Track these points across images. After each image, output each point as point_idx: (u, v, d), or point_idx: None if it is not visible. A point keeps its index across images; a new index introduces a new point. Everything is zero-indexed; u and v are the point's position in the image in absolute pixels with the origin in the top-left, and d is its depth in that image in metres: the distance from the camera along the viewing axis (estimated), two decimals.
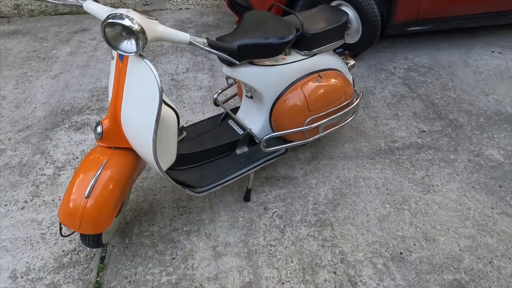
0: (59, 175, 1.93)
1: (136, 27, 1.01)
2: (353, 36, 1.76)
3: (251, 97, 1.69)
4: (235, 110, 1.86)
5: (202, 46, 1.14)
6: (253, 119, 1.70)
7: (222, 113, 1.88)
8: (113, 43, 1.07)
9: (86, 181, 1.20)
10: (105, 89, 2.66)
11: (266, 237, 1.62)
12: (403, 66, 2.93)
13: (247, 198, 1.75)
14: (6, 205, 1.76)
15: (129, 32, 1.04)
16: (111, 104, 1.25)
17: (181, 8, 4.14)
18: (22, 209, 1.74)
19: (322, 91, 1.63)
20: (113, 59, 1.26)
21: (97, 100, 2.54)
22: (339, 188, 1.85)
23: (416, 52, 3.11)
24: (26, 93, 2.62)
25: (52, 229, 1.65)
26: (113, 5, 4.23)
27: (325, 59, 1.69)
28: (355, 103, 1.79)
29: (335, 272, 1.48)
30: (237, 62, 1.27)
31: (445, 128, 2.26)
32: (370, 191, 1.84)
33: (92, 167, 1.23)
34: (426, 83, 2.71)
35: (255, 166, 1.62)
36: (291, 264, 1.51)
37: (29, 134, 2.22)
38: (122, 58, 1.18)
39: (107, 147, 1.29)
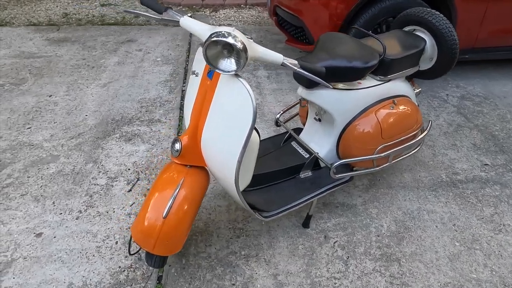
0: (112, 186, 1.91)
1: (239, 45, 0.98)
2: (425, 63, 1.70)
3: (319, 120, 1.64)
4: (296, 131, 1.81)
5: (295, 68, 1.10)
6: (320, 142, 1.64)
7: (283, 133, 1.82)
8: (212, 62, 1.04)
9: (164, 201, 1.15)
10: (154, 100, 2.66)
11: (329, 268, 1.53)
12: (456, 94, 2.83)
13: (306, 224, 1.68)
14: (61, 213, 1.74)
15: (230, 50, 1.01)
16: (192, 121, 1.22)
17: (223, 24, 4.19)
18: (76, 219, 1.71)
19: (396, 118, 1.56)
20: (196, 75, 1.24)
21: (146, 111, 2.54)
22: (402, 221, 1.75)
23: (468, 81, 3.02)
24: (77, 100, 2.65)
25: (107, 243, 1.61)
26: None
27: (398, 86, 1.63)
28: (426, 131, 1.71)
29: None
30: (330, 86, 1.22)
31: (509, 163, 2.14)
32: (436, 226, 1.73)
33: (169, 186, 1.18)
34: (482, 113, 2.61)
35: (321, 192, 1.55)
36: None
37: (81, 142, 2.22)
38: (211, 76, 1.15)
39: (182, 164, 1.24)
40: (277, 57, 1.09)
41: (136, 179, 1.95)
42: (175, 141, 1.22)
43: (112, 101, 2.65)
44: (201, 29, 1.10)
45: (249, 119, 1.05)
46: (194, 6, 4.67)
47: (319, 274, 1.50)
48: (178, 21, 1.17)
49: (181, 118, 2.48)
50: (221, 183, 1.29)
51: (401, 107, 1.58)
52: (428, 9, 1.65)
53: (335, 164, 1.50)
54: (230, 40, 0.97)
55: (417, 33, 1.70)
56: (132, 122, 2.42)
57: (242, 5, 4.72)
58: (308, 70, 1.13)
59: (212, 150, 1.18)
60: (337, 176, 1.53)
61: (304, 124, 1.83)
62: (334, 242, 1.64)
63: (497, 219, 1.78)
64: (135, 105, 2.60)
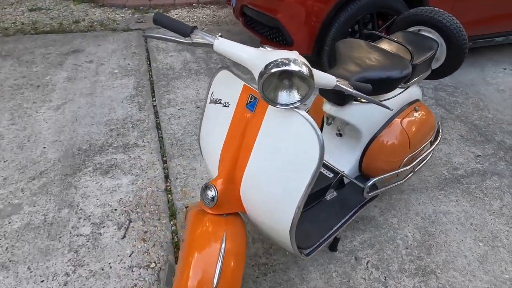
0: (100, 234, 1.60)
1: (305, 71, 0.79)
2: (433, 63, 1.65)
3: (340, 135, 1.50)
4: None
5: (351, 90, 0.94)
6: (343, 159, 1.51)
7: None
8: (268, 96, 0.83)
9: (209, 264, 0.93)
10: (123, 121, 2.33)
11: None
12: (429, 86, 2.90)
13: (333, 247, 1.55)
14: (42, 281, 1.40)
15: (290, 78, 0.81)
16: (226, 161, 1.00)
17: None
18: (65, 285, 1.39)
19: (420, 124, 1.48)
20: (224, 106, 1.02)
21: (117, 135, 2.20)
22: (424, 227, 1.71)
23: None
24: (27, 129, 2.21)
25: None
26: (102, 24, 3.84)
27: (414, 90, 1.56)
28: (441, 134, 1.67)
29: None
30: (391, 109, 1.08)
31: (497, 151, 2.22)
32: (456, 228, 1.71)
33: (209, 244, 0.96)
34: (458, 103, 2.69)
35: (354, 213, 1.42)
36: None
37: (46, 183, 1.84)
38: (253, 108, 0.95)
39: (218, 214, 1.02)
40: (330, 79, 0.92)
41: (128, 221, 1.66)
42: (207, 187, 1.00)
43: (73, 126, 2.26)
44: (248, 55, 0.87)
45: (315, 158, 0.87)
46: (141, 7, 4.25)
47: None
48: (212, 45, 0.94)
49: (161, 139, 2.19)
50: (263, 228, 1.10)
51: (421, 112, 1.52)
52: (436, 8, 1.59)
53: (369, 184, 1.38)
54: (294, 67, 0.78)
55: (423, 33, 1.64)
56: (104, 150, 2.08)
57: (194, 4, 4.42)
58: (361, 90, 0.98)
59: (259, 194, 0.98)
60: (370, 194, 1.42)
61: None
62: (367, 263, 1.53)
63: (506, 211, 1.81)
64: (103, 129, 2.25)
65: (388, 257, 1.56)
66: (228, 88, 1.02)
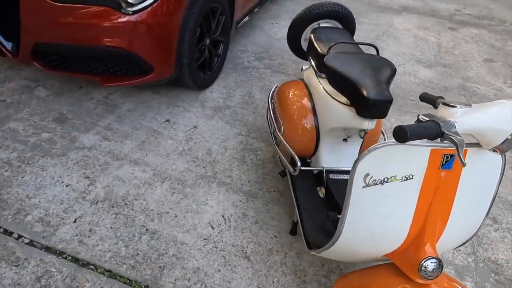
0: None
1: None
2: None
3: (346, 140, 1.59)
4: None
5: None
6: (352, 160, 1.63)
7: (304, 177, 1.62)
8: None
9: None
10: None
11: None
12: (249, 58, 3.17)
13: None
14: None
15: None
16: (430, 226, 1.01)
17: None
18: None
19: None
20: (402, 181, 0.94)
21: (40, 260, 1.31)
22: None
23: (239, 43, 3.39)
24: None
25: None
26: None
27: None
28: None
29: None
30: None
31: None
32: None
33: None
34: (284, 64, 3.14)
35: None
36: None
37: None
38: (451, 166, 0.95)
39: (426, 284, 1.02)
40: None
41: None
42: (426, 261, 0.97)
43: None
44: (491, 120, 0.86)
45: (497, 174, 1.03)
46: None
47: None
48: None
49: (111, 275, 1.48)
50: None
51: None
52: (334, 2, 1.80)
53: None
54: None
55: (323, 25, 1.83)
56: None
57: None
58: None
59: (452, 229, 1.06)
60: None
61: (298, 157, 1.64)
62: None
63: None
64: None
65: None
66: (396, 161, 0.96)
